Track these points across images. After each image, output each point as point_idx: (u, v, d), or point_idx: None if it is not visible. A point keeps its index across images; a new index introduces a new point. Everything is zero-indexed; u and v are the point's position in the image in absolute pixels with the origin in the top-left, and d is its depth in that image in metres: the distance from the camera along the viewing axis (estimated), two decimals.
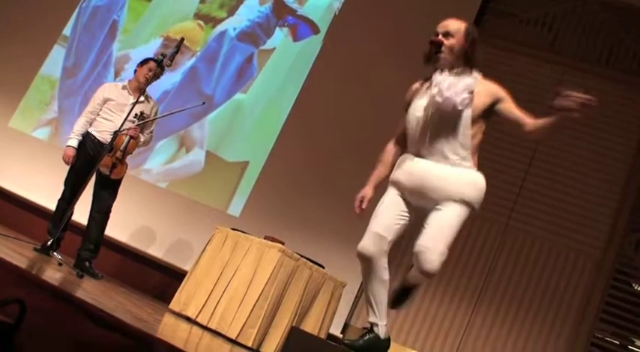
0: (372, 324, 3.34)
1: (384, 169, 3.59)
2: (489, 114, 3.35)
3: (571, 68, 6.40)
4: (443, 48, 3.34)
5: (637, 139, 6.09)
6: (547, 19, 6.67)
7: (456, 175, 3.26)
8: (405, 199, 3.39)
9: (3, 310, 2.38)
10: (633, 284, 5.85)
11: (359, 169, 6.29)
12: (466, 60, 3.35)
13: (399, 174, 3.41)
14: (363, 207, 3.50)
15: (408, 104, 3.50)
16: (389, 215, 3.37)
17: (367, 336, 3.32)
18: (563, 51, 6.51)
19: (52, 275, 3.93)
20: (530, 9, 6.71)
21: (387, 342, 3.36)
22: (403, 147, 3.55)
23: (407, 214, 3.37)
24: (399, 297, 3.48)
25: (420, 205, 3.35)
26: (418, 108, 3.39)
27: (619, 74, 6.30)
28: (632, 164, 6.03)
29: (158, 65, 5.26)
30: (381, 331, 3.33)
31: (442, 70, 3.36)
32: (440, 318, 5.93)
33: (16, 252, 4.23)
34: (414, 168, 3.36)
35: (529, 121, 3.23)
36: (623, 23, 6.44)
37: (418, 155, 3.38)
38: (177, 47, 5.08)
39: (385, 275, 3.36)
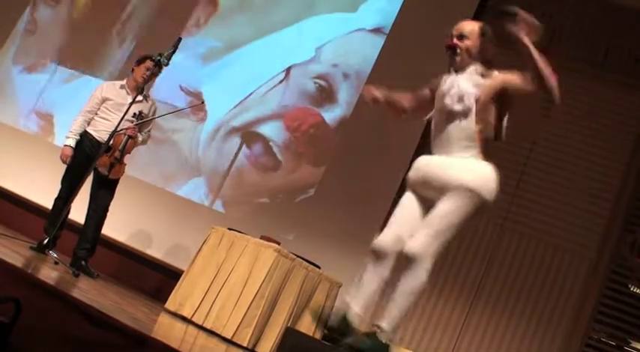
0: (377, 326, 3.27)
1: (399, 96, 3.70)
2: (501, 103, 3.37)
3: (567, 69, 6.41)
4: (459, 50, 3.40)
5: (632, 140, 6.10)
6: (544, 19, 6.66)
7: (455, 162, 3.29)
8: (419, 199, 3.41)
9: None
10: (629, 285, 5.86)
11: (355, 170, 6.35)
12: (482, 59, 3.40)
13: (410, 172, 3.48)
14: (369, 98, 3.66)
15: (431, 91, 3.57)
16: (407, 217, 3.39)
17: (376, 340, 3.22)
18: (560, 51, 6.52)
19: (48, 274, 3.94)
20: (527, 9, 6.70)
21: (387, 347, 3.27)
22: (412, 102, 3.67)
23: (423, 217, 3.37)
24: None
25: (429, 198, 3.36)
26: (434, 110, 3.47)
27: (615, 75, 6.30)
28: (628, 165, 6.04)
29: (156, 64, 5.25)
30: (386, 337, 3.25)
31: (455, 71, 3.41)
32: (435, 318, 5.94)
33: (12, 251, 4.24)
34: (421, 163, 3.45)
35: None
36: (620, 24, 6.45)
37: (431, 154, 3.45)
38: (174, 46, 5.08)
39: (387, 275, 3.34)
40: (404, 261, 3.25)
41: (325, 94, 6.65)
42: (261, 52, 6.94)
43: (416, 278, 3.21)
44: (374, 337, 3.24)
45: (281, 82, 6.73)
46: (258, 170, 6.54)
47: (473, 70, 3.37)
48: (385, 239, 3.35)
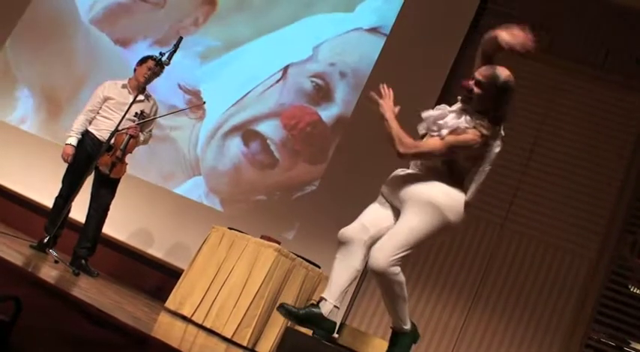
0: (322, 298, 3.38)
1: None
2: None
3: (568, 70, 6.41)
4: (470, 94, 3.32)
5: (633, 141, 6.10)
6: (545, 20, 6.67)
7: (422, 178, 3.34)
8: (390, 205, 3.49)
9: None
10: (629, 286, 5.86)
11: (352, 169, 6.35)
12: (483, 110, 3.29)
13: (384, 184, 3.54)
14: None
15: None
16: (377, 213, 3.49)
17: (310, 308, 3.36)
18: (560, 52, 6.52)
19: (48, 272, 3.95)
20: (527, 10, 6.71)
21: (330, 323, 3.36)
22: None
23: (392, 221, 3.43)
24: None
25: (397, 208, 3.43)
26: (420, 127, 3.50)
27: (615, 76, 6.30)
28: (628, 166, 6.04)
29: (157, 64, 5.26)
30: (326, 308, 3.34)
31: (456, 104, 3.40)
32: (434, 321, 5.94)
33: (13, 249, 4.24)
34: (394, 175, 3.50)
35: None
36: (621, 25, 6.45)
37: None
38: (175, 46, 5.09)
39: (356, 263, 3.41)
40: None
41: (322, 93, 6.66)
42: (259, 50, 6.95)
43: (390, 288, 3.30)
44: (317, 308, 3.35)
45: (278, 80, 6.74)
46: (255, 168, 6.55)
47: (470, 115, 3.29)
48: (350, 227, 3.47)
